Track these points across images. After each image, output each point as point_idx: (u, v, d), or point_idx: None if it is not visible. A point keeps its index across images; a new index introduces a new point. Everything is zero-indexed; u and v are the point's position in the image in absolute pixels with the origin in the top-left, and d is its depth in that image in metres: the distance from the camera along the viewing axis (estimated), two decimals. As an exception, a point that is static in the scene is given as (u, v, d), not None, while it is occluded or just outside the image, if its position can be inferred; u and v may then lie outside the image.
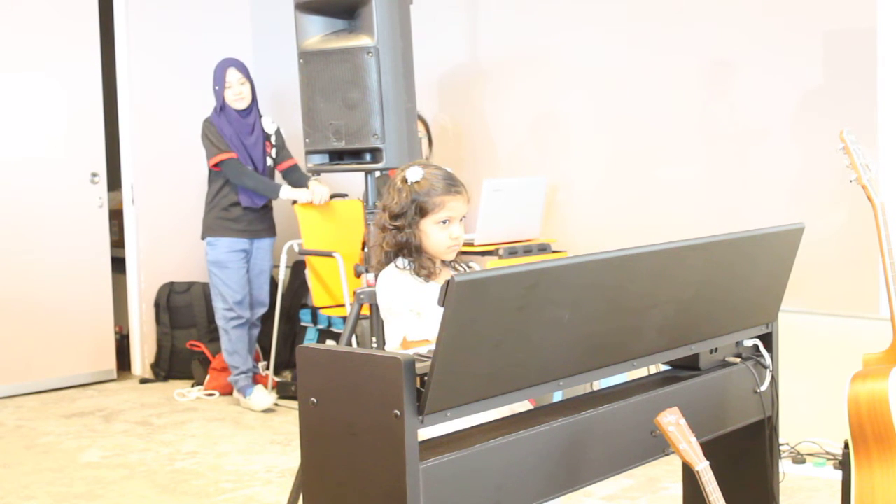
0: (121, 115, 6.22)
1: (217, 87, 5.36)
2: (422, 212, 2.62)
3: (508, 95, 5.50)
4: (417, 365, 1.92)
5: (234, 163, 5.31)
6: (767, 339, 2.80)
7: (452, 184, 2.65)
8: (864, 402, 2.84)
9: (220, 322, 5.50)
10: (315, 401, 2.03)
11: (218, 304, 5.49)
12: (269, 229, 5.56)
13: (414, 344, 2.48)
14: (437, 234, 2.63)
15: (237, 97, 5.34)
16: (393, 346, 2.59)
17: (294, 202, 5.44)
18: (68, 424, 5.19)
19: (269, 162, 5.49)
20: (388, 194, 2.67)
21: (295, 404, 5.16)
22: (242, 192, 5.36)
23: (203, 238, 5.49)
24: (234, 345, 5.45)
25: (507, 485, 2.09)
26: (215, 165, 5.34)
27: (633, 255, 2.22)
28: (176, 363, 6.14)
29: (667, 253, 2.31)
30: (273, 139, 5.52)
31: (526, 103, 5.43)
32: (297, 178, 5.54)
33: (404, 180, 2.65)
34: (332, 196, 5.60)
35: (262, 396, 5.37)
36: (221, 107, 5.36)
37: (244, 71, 5.37)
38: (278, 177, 5.60)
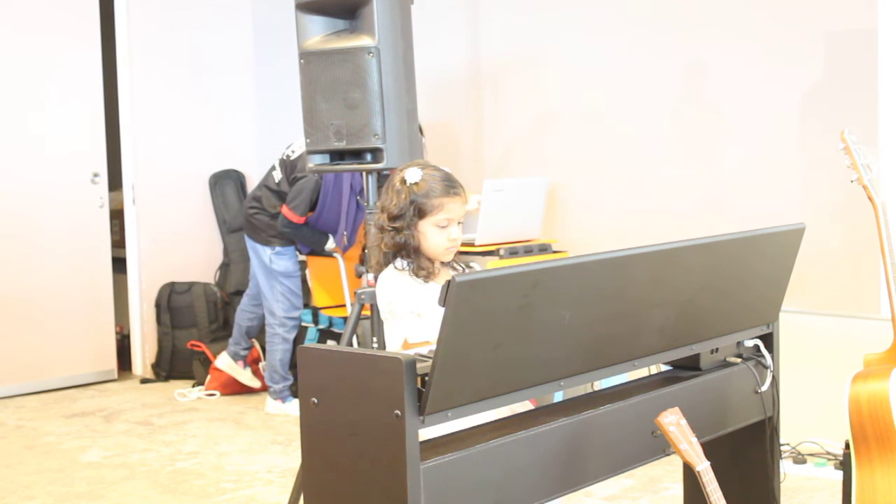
0: (122, 115, 6.21)
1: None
2: (420, 213, 2.61)
3: (509, 96, 5.50)
4: (418, 365, 1.92)
5: (299, 226, 5.17)
6: (768, 340, 2.80)
7: (451, 185, 2.64)
8: (864, 402, 2.84)
9: (278, 330, 5.36)
10: (316, 401, 2.03)
11: (280, 313, 5.34)
12: None
13: (415, 346, 2.47)
14: (435, 236, 2.63)
15: None
16: (394, 349, 2.58)
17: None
18: (69, 424, 5.19)
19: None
20: (387, 195, 2.67)
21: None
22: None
23: (269, 246, 5.26)
24: (290, 354, 5.37)
25: (507, 485, 2.09)
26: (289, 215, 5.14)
27: (634, 256, 2.21)
28: (177, 363, 6.14)
29: (667, 253, 2.31)
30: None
31: (527, 103, 5.43)
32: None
33: (403, 181, 2.64)
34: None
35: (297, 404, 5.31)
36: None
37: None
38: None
